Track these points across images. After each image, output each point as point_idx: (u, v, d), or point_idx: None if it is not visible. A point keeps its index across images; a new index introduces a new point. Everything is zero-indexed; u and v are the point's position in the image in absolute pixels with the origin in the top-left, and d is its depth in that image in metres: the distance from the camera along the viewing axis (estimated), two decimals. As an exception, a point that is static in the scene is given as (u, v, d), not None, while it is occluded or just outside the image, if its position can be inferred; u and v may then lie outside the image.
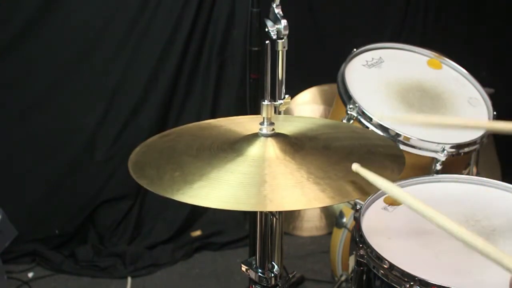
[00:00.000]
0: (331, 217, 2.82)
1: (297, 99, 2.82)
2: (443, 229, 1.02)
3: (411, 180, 1.67)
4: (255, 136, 1.30)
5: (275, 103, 1.49)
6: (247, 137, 1.31)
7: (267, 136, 1.29)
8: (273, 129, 1.30)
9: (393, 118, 1.76)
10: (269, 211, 1.33)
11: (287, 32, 1.46)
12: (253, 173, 1.19)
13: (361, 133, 1.58)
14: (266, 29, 1.47)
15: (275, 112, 1.43)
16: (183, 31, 2.77)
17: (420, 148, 1.87)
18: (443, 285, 1.25)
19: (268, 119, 1.30)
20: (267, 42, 1.31)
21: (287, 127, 1.38)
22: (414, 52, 2.22)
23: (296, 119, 1.57)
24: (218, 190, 1.15)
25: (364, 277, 1.43)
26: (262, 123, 1.30)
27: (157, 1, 2.72)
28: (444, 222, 1.02)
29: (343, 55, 2.12)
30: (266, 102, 1.30)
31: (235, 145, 1.28)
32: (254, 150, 1.26)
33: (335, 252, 2.29)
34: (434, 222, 1.04)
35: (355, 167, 1.18)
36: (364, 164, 1.19)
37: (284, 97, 1.55)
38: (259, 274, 1.39)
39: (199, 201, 1.13)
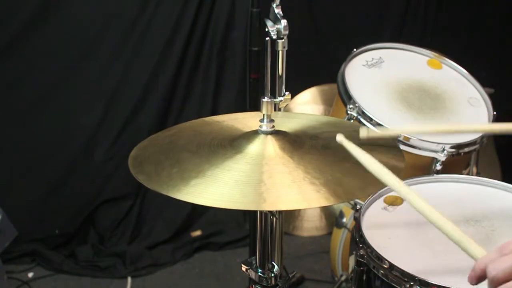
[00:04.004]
0: (331, 217, 2.82)
1: (297, 99, 2.82)
2: (412, 205, 0.98)
3: (411, 180, 1.67)
4: (254, 133, 1.29)
5: (275, 100, 1.49)
6: (247, 134, 1.30)
7: (267, 133, 1.28)
8: (273, 126, 1.29)
9: (381, 132, 1.71)
10: (268, 211, 1.33)
11: (287, 32, 1.46)
12: (250, 171, 1.18)
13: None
14: (266, 29, 1.47)
15: (275, 109, 1.43)
16: (183, 31, 2.77)
17: (420, 148, 1.86)
18: (443, 285, 1.25)
19: (268, 116, 1.29)
20: (267, 38, 1.31)
21: (288, 124, 1.38)
22: (414, 52, 2.22)
23: (298, 116, 1.57)
24: (213, 188, 1.14)
25: (364, 277, 1.43)
26: (262, 120, 1.30)
27: (157, 1, 2.72)
28: (415, 200, 0.98)
29: (343, 55, 2.12)
30: (266, 99, 1.29)
31: (235, 142, 1.28)
32: (253, 147, 1.25)
33: (335, 252, 2.29)
34: (407, 199, 0.99)
35: (340, 138, 1.14)
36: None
37: (284, 94, 1.55)
38: (259, 274, 1.39)
39: (193, 198, 1.12)
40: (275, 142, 1.26)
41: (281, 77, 1.50)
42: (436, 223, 0.93)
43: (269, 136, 1.28)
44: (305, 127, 1.39)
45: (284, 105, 1.56)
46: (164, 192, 1.13)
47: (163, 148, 1.31)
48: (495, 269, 0.82)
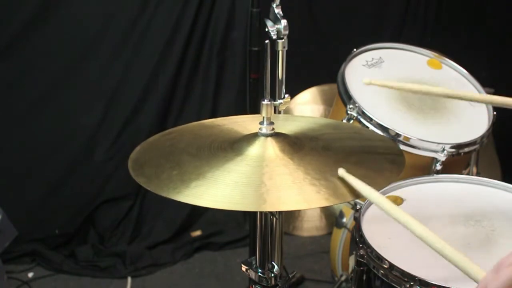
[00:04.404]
0: (331, 217, 2.82)
1: (297, 99, 2.82)
2: (413, 232, 1.03)
3: (411, 180, 1.67)
4: (254, 136, 1.29)
5: (274, 102, 1.49)
6: (247, 136, 1.31)
7: (266, 135, 1.29)
8: (273, 129, 1.30)
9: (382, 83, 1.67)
10: (269, 211, 1.33)
11: (287, 32, 1.46)
12: (250, 172, 1.19)
13: (363, 133, 1.58)
14: (266, 29, 1.47)
15: (275, 111, 1.43)
16: (183, 31, 2.77)
17: (420, 148, 1.87)
18: (443, 285, 1.25)
19: (268, 118, 1.30)
20: (266, 41, 1.31)
21: (288, 126, 1.38)
22: (414, 52, 2.22)
23: (297, 119, 1.57)
24: (214, 189, 1.15)
25: (364, 277, 1.43)
26: (261, 123, 1.30)
27: (157, 1, 2.72)
28: (423, 233, 1.01)
29: (343, 55, 2.12)
30: (265, 102, 1.29)
31: (235, 144, 1.28)
32: (254, 149, 1.25)
33: (335, 252, 2.29)
34: (408, 226, 1.04)
35: (341, 172, 1.17)
36: (363, 165, 1.19)
37: (284, 97, 1.55)
38: (259, 274, 1.39)
39: (194, 200, 1.12)
40: (275, 144, 1.27)
41: (281, 79, 1.50)
42: (437, 248, 0.98)
43: (269, 138, 1.28)
44: (305, 129, 1.39)
45: (284, 108, 1.56)
46: (165, 194, 1.14)
47: (163, 151, 1.32)
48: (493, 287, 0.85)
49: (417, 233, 1.00)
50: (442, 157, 1.86)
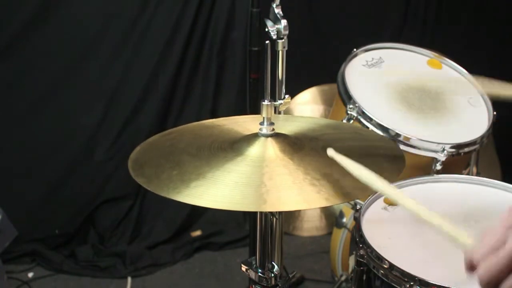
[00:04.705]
0: (331, 217, 2.82)
1: (297, 99, 2.82)
2: (405, 208, 1.00)
3: (411, 180, 1.67)
4: (255, 136, 1.30)
5: (275, 103, 1.49)
6: (247, 137, 1.31)
7: (267, 136, 1.29)
8: (273, 129, 1.30)
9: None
10: (268, 212, 1.33)
11: (287, 32, 1.47)
12: (250, 173, 1.19)
13: (363, 134, 1.58)
14: (266, 29, 1.47)
15: (275, 112, 1.43)
16: (183, 31, 2.77)
17: (420, 148, 1.87)
18: (443, 285, 1.25)
19: (268, 119, 1.30)
20: (267, 42, 1.31)
21: (288, 127, 1.38)
22: (414, 52, 2.22)
23: (297, 119, 1.57)
24: (213, 189, 1.15)
25: (364, 277, 1.43)
26: (262, 123, 1.30)
27: (157, 1, 2.72)
28: (405, 202, 0.99)
29: (343, 55, 2.12)
30: (266, 102, 1.29)
31: (235, 144, 1.28)
32: (254, 150, 1.25)
33: (335, 252, 2.29)
34: (401, 204, 1.01)
35: (331, 153, 1.14)
36: (363, 165, 1.18)
37: (284, 97, 1.55)
38: (259, 274, 1.39)
39: (194, 200, 1.12)
40: (275, 145, 1.27)
41: (281, 80, 1.50)
42: (427, 220, 0.95)
43: (269, 139, 1.28)
44: (305, 130, 1.40)
45: (284, 108, 1.56)
46: (165, 194, 1.14)
47: (163, 151, 1.32)
48: (485, 270, 0.82)
49: (408, 207, 0.98)
50: (442, 157, 1.86)
